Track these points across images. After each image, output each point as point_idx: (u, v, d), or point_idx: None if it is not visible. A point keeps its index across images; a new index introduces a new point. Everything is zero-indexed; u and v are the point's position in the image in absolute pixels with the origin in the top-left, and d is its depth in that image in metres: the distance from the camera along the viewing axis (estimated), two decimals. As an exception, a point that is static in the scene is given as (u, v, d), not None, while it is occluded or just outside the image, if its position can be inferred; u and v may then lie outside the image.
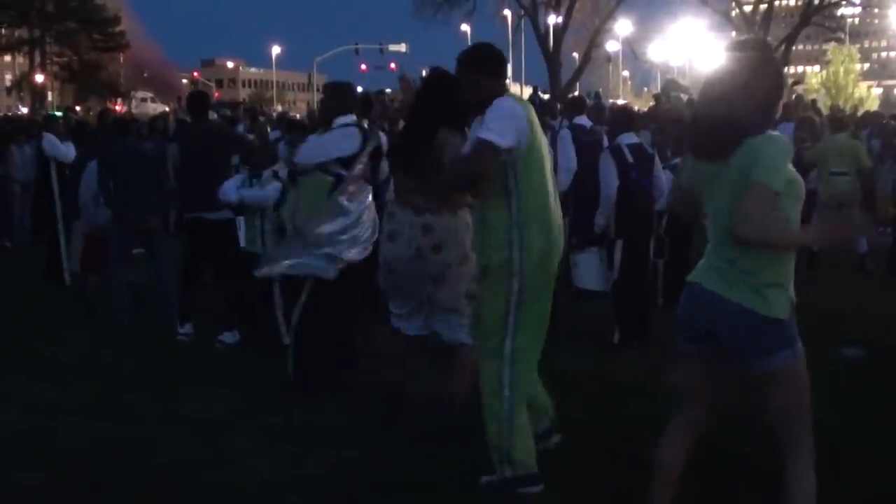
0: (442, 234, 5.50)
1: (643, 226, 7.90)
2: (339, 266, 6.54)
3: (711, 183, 3.71)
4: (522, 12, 48.75)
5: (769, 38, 47.28)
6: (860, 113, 22.67)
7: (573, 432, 5.63)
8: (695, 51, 64.09)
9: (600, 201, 7.83)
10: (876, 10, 64.78)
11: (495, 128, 4.56)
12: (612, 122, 8.95)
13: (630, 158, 7.76)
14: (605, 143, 9.57)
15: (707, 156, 3.70)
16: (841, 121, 12.65)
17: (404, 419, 5.89)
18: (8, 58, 69.84)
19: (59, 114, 19.09)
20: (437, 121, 5.46)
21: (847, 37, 68.87)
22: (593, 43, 48.84)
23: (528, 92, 29.47)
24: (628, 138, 7.95)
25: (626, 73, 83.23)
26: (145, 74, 72.31)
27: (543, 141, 4.84)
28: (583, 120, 10.66)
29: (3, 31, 57.26)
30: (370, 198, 6.78)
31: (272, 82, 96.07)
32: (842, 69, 69.96)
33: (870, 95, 63.34)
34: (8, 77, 76.14)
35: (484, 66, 4.86)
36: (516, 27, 54.11)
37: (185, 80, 75.24)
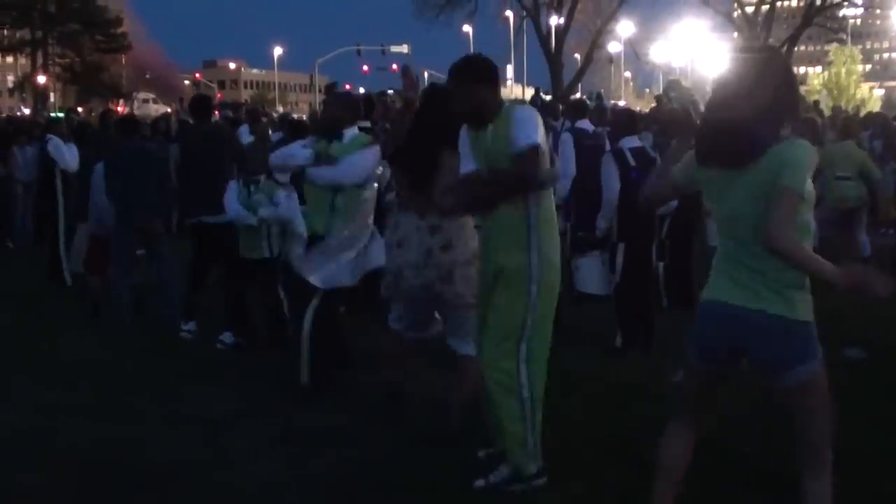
0: (450, 233, 5.47)
1: (645, 229, 7.87)
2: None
3: (723, 187, 3.62)
4: (524, 13, 48.78)
5: (771, 40, 47.43)
6: (862, 114, 22.65)
7: (574, 433, 5.64)
8: (697, 52, 64.19)
9: (602, 205, 7.81)
10: (878, 11, 64.78)
11: (534, 133, 4.66)
12: (615, 125, 8.92)
13: (632, 162, 7.75)
14: (607, 146, 9.56)
15: (728, 164, 3.58)
16: (849, 128, 12.61)
17: (404, 419, 5.89)
18: (10, 59, 69.94)
19: (60, 115, 19.07)
20: (441, 135, 5.37)
21: (849, 38, 68.87)
22: (595, 44, 48.88)
23: (529, 93, 29.52)
24: (630, 142, 7.93)
25: (627, 75, 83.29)
26: (147, 76, 72.41)
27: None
28: (584, 123, 10.63)
29: (5, 32, 57.35)
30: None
31: (274, 83, 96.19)
32: (844, 70, 69.95)
33: (872, 96, 63.37)
34: (10, 78, 76.26)
35: (478, 76, 4.86)
36: (518, 28, 54.21)
37: (187, 82, 75.35)
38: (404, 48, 64.34)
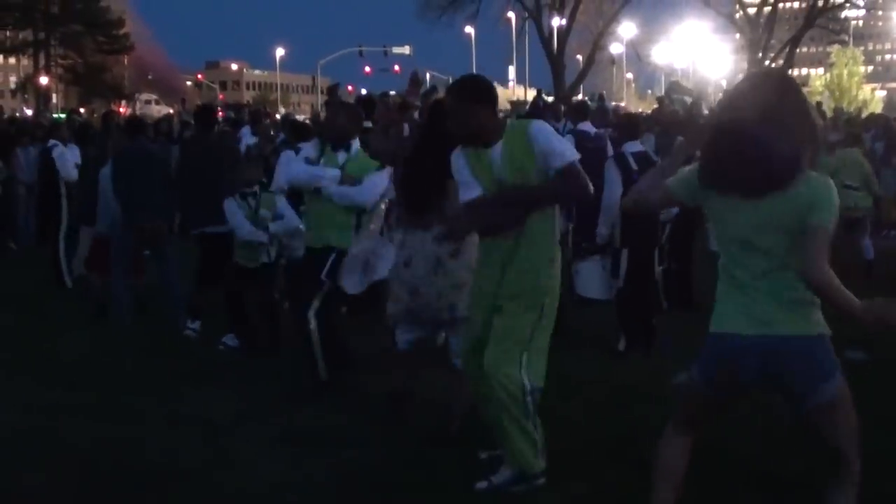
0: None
1: (648, 234, 7.84)
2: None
3: (734, 211, 3.56)
4: (526, 15, 48.73)
5: (773, 41, 47.41)
6: (864, 115, 22.66)
7: (576, 435, 5.64)
8: (699, 53, 64.22)
9: (602, 210, 7.77)
10: (880, 13, 64.78)
11: (567, 147, 4.75)
12: (618, 129, 8.92)
13: (635, 166, 7.73)
14: (609, 149, 9.55)
15: (751, 193, 3.50)
16: (856, 136, 12.61)
17: (405, 420, 5.89)
18: (12, 60, 70.02)
19: (62, 116, 19.10)
20: (445, 153, 5.32)
21: (851, 39, 68.89)
22: (597, 45, 48.83)
23: (531, 94, 29.50)
24: (633, 146, 7.91)
25: (629, 76, 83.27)
26: (149, 77, 72.45)
27: None
28: (586, 126, 10.63)
29: (7, 33, 57.36)
30: None
31: (276, 84, 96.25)
32: (846, 72, 70.00)
33: (873, 98, 63.42)
34: (12, 79, 76.32)
35: (478, 95, 4.82)
36: (520, 30, 54.22)
37: (189, 83, 75.39)
38: (406, 49, 64.40)
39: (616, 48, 59.88)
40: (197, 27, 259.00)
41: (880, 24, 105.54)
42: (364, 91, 30.45)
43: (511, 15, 52.04)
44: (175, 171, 9.40)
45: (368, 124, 8.77)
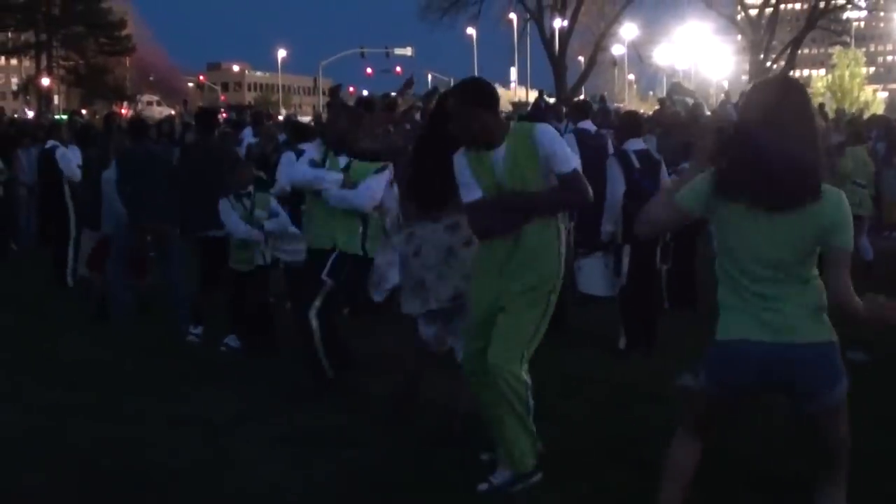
0: (469, 230, 5.44)
1: (651, 232, 7.86)
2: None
3: (749, 224, 3.52)
4: (528, 16, 48.72)
5: (775, 42, 47.40)
6: (866, 116, 22.65)
7: (577, 435, 5.64)
8: (700, 54, 64.21)
9: (605, 207, 7.77)
10: (882, 14, 64.74)
11: (572, 154, 4.80)
12: (620, 127, 8.91)
13: (637, 164, 7.73)
14: (610, 147, 9.56)
15: (779, 207, 3.46)
16: (859, 134, 12.61)
17: (406, 421, 5.89)
18: (14, 61, 70.05)
19: (64, 117, 19.10)
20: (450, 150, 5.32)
21: (853, 40, 68.83)
22: (599, 46, 48.81)
23: (533, 96, 29.52)
24: (635, 144, 7.92)
25: (631, 77, 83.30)
26: (151, 78, 72.51)
27: None
28: (587, 125, 10.64)
29: (9, 34, 57.39)
30: None
31: (278, 86, 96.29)
32: (847, 73, 70.00)
33: (875, 99, 63.44)
34: (14, 81, 76.37)
35: (482, 99, 4.83)
36: (522, 31, 54.15)
37: (190, 84, 75.42)
38: (408, 50, 64.40)
39: (618, 49, 59.85)
40: (198, 28, 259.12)
41: (882, 25, 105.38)
42: (365, 92, 30.45)
43: (513, 16, 52.08)
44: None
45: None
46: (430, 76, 59.49)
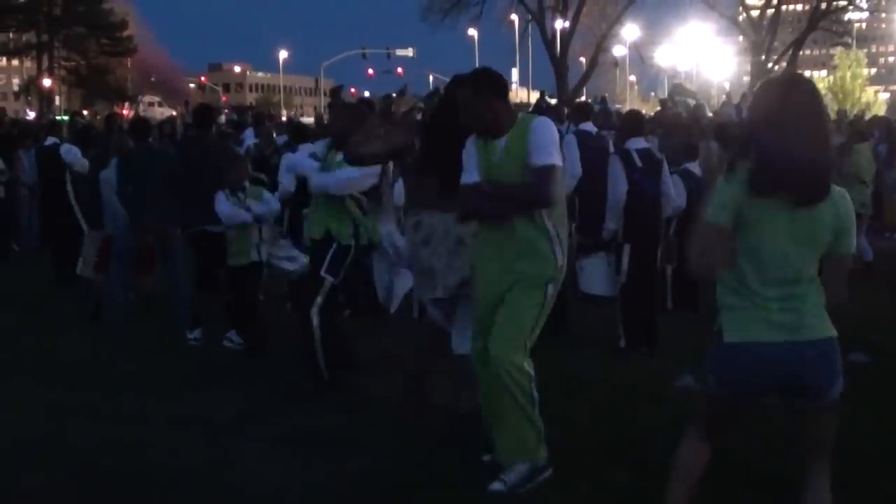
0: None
1: (651, 231, 7.85)
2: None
3: (776, 224, 3.50)
4: (529, 17, 48.70)
5: (776, 43, 47.37)
6: (867, 117, 22.64)
7: (578, 435, 5.64)
8: (702, 55, 64.19)
9: (608, 206, 7.77)
10: (883, 15, 64.62)
11: (556, 153, 4.76)
12: (622, 126, 8.92)
13: (639, 163, 7.73)
14: (612, 149, 9.55)
15: (808, 201, 3.47)
16: (862, 133, 12.61)
17: (408, 421, 5.88)
18: (16, 62, 70.06)
19: (65, 118, 19.10)
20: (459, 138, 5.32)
21: (854, 42, 68.81)
22: (600, 47, 48.80)
23: (535, 96, 29.52)
24: (637, 143, 7.92)
25: (633, 78, 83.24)
26: (153, 79, 72.46)
27: None
28: (588, 126, 10.66)
29: (10, 35, 57.39)
30: None
31: (279, 87, 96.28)
32: (849, 74, 70.00)
33: (877, 100, 63.43)
34: (16, 81, 76.43)
35: (495, 87, 4.90)
36: (523, 32, 54.07)
37: (192, 85, 75.48)
38: (409, 51, 64.47)
39: (619, 50, 59.82)
40: (200, 29, 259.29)
41: (883, 26, 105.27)
42: (367, 93, 30.49)
43: (514, 17, 52.02)
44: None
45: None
46: (431, 77, 59.50)
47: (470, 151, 4.95)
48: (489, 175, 4.87)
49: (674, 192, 8.02)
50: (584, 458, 5.28)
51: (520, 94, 61.79)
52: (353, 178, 6.60)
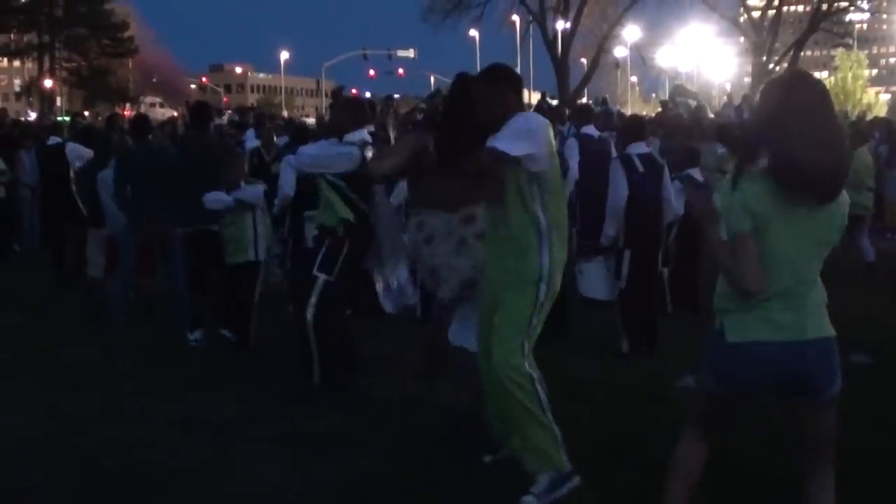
0: (483, 223, 5.43)
1: (652, 236, 7.83)
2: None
3: (792, 226, 3.50)
4: (531, 18, 48.74)
5: (777, 44, 47.37)
6: (868, 118, 22.65)
7: (580, 436, 5.62)
8: (703, 56, 64.18)
9: (607, 212, 7.74)
10: (884, 16, 64.55)
11: (511, 139, 4.64)
12: (623, 131, 8.90)
13: (640, 168, 7.72)
14: (613, 151, 9.55)
15: (827, 199, 3.48)
16: (863, 134, 12.62)
17: (407, 422, 5.88)
18: (17, 63, 70.09)
19: (66, 119, 19.11)
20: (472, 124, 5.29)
21: (855, 43, 68.82)
22: (601, 48, 48.82)
23: (536, 98, 29.50)
24: (638, 148, 7.90)
25: (634, 79, 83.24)
26: (154, 80, 72.50)
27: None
28: (590, 129, 10.64)
29: (12, 36, 57.42)
30: None
31: (281, 87, 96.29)
32: (850, 75, 69.97)
33: (878, 101, 63.40)
34: (17, 82, 76.47)
35: (509, 82, 4.89)
36: (524, 33, 54.15)
37: (193, 86, 75.43)
38: (411, 52, 64.44)
39: (620, 51, 59.83)
40: (201, 30, 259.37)
41: (884, 27, 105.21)
42: (368, 94, 30.47)
43: (515, 18, 52.07)
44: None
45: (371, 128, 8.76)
46: (432, 78, 59.58)
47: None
48: None
49: (674, 198, 7.99)
50: (584, 459, 5.26)
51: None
52: (330, 154, 6.66)
